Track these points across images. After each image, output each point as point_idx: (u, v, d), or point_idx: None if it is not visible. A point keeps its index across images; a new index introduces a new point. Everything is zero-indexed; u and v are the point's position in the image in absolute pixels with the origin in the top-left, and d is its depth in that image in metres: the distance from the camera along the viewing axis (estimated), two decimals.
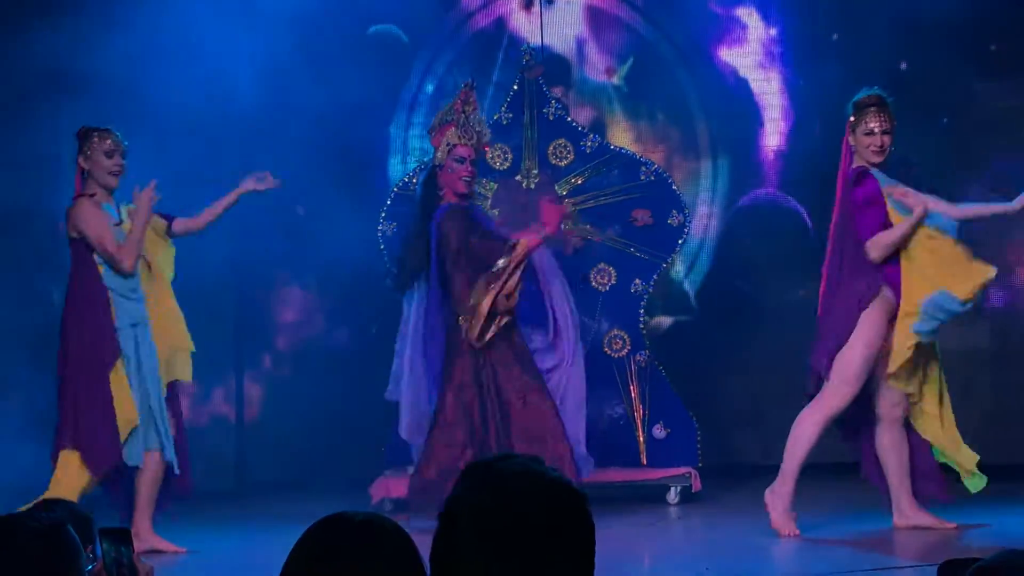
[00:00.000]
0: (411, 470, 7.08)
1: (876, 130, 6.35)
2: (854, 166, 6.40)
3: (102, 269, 6.31)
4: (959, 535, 6.20)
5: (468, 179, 6.79)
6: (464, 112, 6.86)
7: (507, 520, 1.88)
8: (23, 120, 7.95)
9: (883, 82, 8.53)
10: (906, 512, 6.34)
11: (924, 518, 6.34)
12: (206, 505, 6.73)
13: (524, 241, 6.71)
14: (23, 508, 3.44)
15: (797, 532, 6.27)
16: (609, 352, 7.83)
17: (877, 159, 6.38)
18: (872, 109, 6.38)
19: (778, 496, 6.31)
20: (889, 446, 6.34)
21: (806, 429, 6.28)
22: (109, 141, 6.36)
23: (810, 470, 6.51)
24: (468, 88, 6.96)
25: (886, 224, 6.26)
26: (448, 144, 6.76)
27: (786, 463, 6.31)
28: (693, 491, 7.57)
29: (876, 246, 6.25)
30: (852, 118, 6.41)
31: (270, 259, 8.97)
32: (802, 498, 6.42)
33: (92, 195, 6.37)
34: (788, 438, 6.34)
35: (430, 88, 9.08)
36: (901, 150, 7.90)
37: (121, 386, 6.23)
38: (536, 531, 1.88)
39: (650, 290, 7.91)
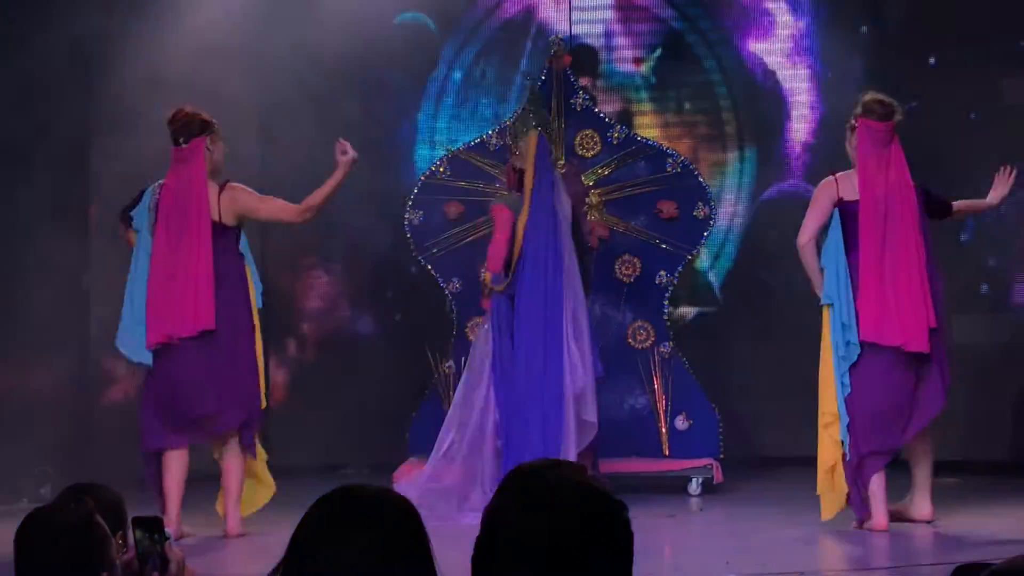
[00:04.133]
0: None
1: None
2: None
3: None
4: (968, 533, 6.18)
5: None
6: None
7: (546, 531, 1.90)
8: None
9: (911, 76, 8.56)
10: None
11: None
12: None
13: None
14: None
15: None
16: (633, 343, 7.85)
17: None
18: None
19: None
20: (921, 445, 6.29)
21: None
22: (220, 131, 6.54)
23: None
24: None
25: None
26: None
27: None
28: (714, 482, 7.59)
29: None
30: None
31: (296, 246, 9.01)
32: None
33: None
34: None
35: (458, 76, 9.10)
36: (931, 145, 7.88)
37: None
38: (575, 542, 1.90)
39: (675, 282, 7.91)
